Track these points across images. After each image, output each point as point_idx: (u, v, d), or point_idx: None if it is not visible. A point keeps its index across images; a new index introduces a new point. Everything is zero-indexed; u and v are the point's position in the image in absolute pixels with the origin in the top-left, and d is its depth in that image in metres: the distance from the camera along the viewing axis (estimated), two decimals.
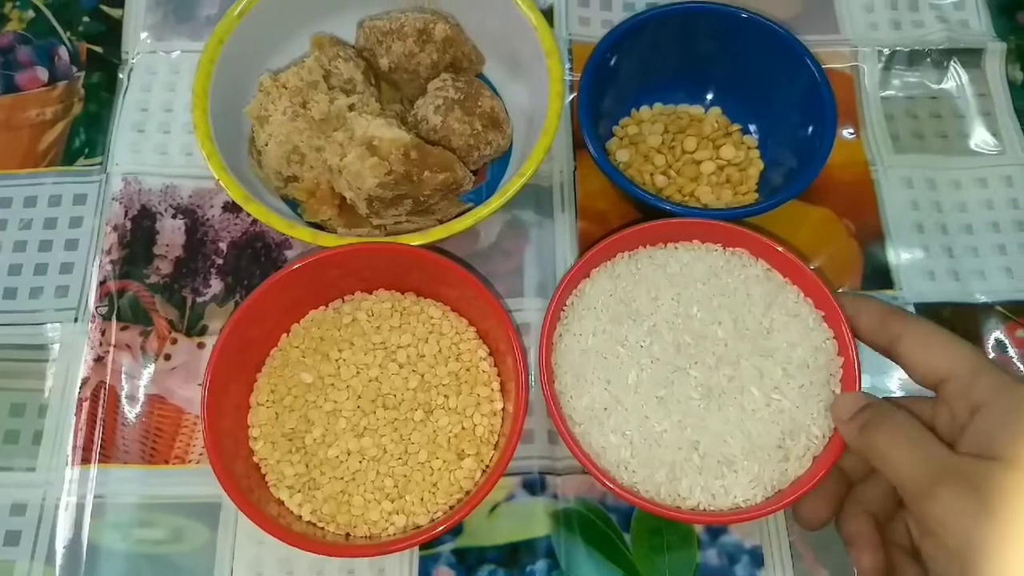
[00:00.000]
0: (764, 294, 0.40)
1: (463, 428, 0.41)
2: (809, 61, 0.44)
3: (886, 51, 0.52)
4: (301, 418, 0.41)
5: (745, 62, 0.46)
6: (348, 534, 0.39)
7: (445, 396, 0.41)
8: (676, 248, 0.42)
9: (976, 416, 0.32)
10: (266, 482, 0.40)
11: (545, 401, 0.39)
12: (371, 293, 0.44)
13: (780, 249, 0.41)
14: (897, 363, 0.36)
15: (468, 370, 0.42)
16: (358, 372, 0.42)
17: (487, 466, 0.40)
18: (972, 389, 0.33)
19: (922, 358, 0.35)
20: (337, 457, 0.40)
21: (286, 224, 0.41)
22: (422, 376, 0.41)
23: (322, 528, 0.39)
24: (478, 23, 0.48)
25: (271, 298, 0.41)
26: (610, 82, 0.46)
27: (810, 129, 0.44)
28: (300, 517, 0.40)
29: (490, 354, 0.42)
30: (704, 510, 0.37)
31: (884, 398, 0.36)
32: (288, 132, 0.44)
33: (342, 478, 0.40)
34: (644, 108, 0.49)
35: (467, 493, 0.39)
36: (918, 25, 0.53)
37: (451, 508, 0.39)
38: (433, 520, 0.39)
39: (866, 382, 0.40)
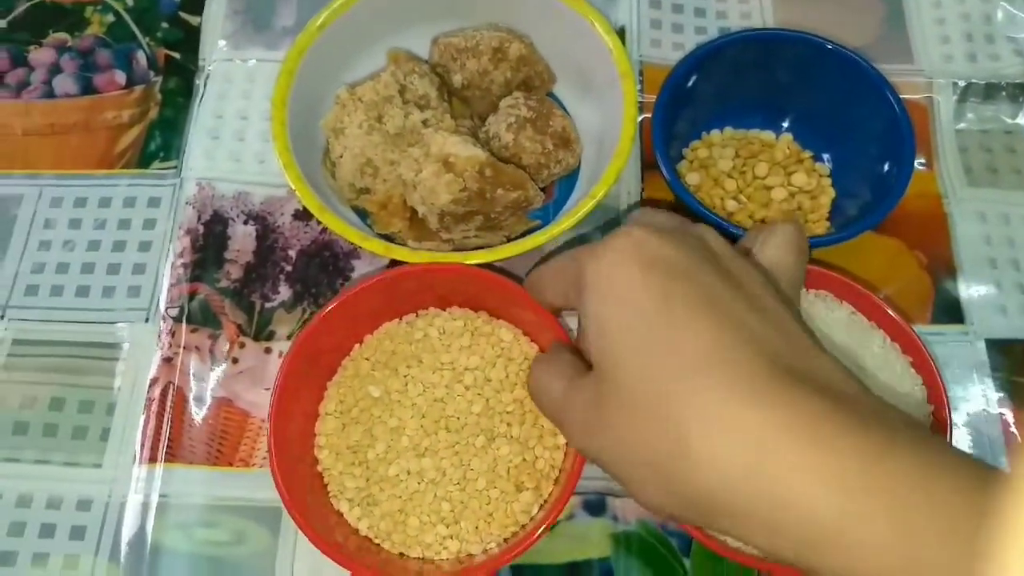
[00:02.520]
0: (850, 339, 0.39)
1: (524, 460, 0.40)
2: (890, 96, 0.43)
3: (961, 83, 0.52)
4: (366, 432, 0.41)
5: (823, 92, 0.46)
6: (402, 553, 0.39)
7: (508, 424, 0.41)
8: None
9: (580, 307, 0.33)
10: (327, 492, 0.40)
11: None
12: (445, 310, 0.44)
13: (865, 291, 0.40)
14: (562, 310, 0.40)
15: None
16: (424, 391, 0.41)
17: (545, 501, 0.39)
18: (578, 279, 0.33)
19: (549, 292, 0.38)
20: (397, 475, 0.40)
21: (360, 236, 0.42)
22: (487, 401, 0.41)
23: (377, 544, 0.39)
24: (551, 42, 0.49)
25: (348, 308, 0.41)
26: (685, 104, 0.46)
27: (886, 165, 0.44)
28: (357, 531, 0.40)
29: None
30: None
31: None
32: (363, 145, 0.44)
33: (400, 497, 0.40)
34: (715, 132, 0.49)
35: (522, 527, 0.39)
36: (994, 58, 0.53)
37: (505, 540, 0.39)
38: (486, 551, 0.39)
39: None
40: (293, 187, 0.42)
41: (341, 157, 0.45)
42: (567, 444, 0.41)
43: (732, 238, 0.42)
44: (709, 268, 0.31)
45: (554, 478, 0.40)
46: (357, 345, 0.43)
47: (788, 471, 0.26)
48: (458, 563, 0.38)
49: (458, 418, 0.41)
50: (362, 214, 0.47)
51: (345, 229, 0.42)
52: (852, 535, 0.25)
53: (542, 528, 0.37)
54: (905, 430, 0.27)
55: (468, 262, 0.42)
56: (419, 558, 0.39)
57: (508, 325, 0.43)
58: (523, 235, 0.45)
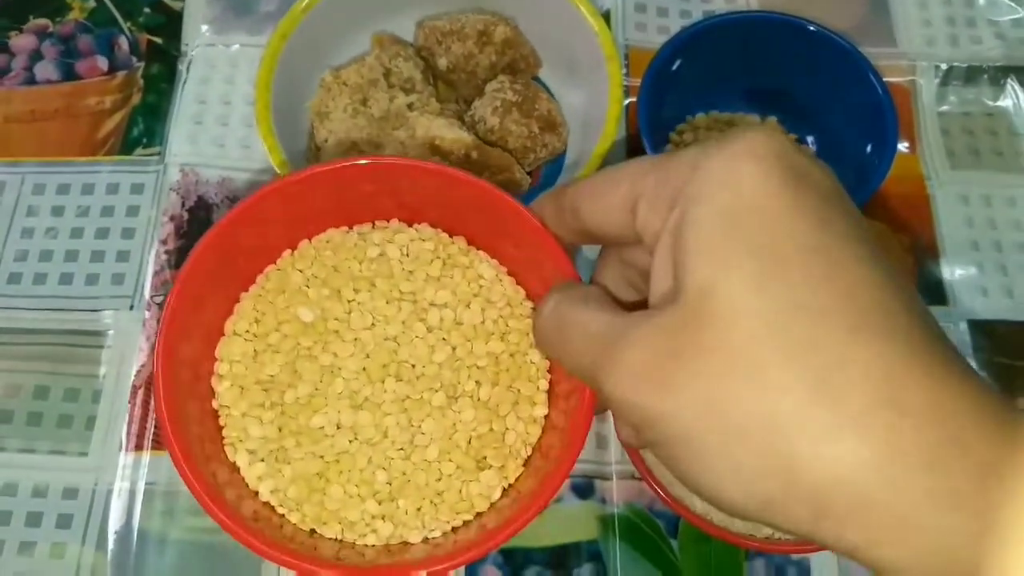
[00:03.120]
0: None
1: (491, 430, 0.32)
2: (873, 78, 0.43)
3: (943, 66, 0.52)
4: (287, 366, 0.33)
5: (807, 74, 0.46)
6: (313, 530, 0.32)
7: (477, 382, 0.33)
8: None
9: (669, 218, 0.24)
10: (222, 438, 0.32)
11: (615, 429, 0.39)
12: (411, 226, 0.35)
13: None
14: (597, 238, 0.29)
15: (512, 356, 0.33)
16: (374, 324, 0.33)
17: (510, 485, 0.33)
18: (661, 190, 0.25)
19: (603, 202, 0.27)
20: (322, 428, 0.32)
21: None
22: (454, 349, 0.33)
23: (282, 516, 0.32)
24: (537, 26, 0.49)
25: (282, 199, 0.32)
26: (670, 88, 0.46)
27: (869, 147, 0.44)
28: (256, 494, 0.32)
29: None
30: (779, 539, 0.37)
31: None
32: (348, 129, 0.44)
33: (322, 457, 0.32)
34: (700, 115, 0.49)
35: (477, 515, 0.32)
36: (976, 41, 0.53)
37: (453, 530, 0.32)
38: (427, 540, 0.31)
39: None
40: (278, 171, 0.42)
41: (326, 141, 0.44)
42: (547, 416, 0.34)
43: None
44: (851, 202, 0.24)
45: (524, 458, 0.33)
46: (289, 251, 0.35)
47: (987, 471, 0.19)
48: (387, 552, 0.31)
49: (413, 366, 0.33)
50: None
51: None
52: None
53: (511, 529, 0.30)
54: None
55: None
56: (336, 539, 0.31)
57: (490, 260, 0.35)
58: None
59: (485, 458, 0.32)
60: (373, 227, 0.35)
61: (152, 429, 0.43)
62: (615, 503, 0.42)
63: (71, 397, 0.44)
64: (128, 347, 0.45)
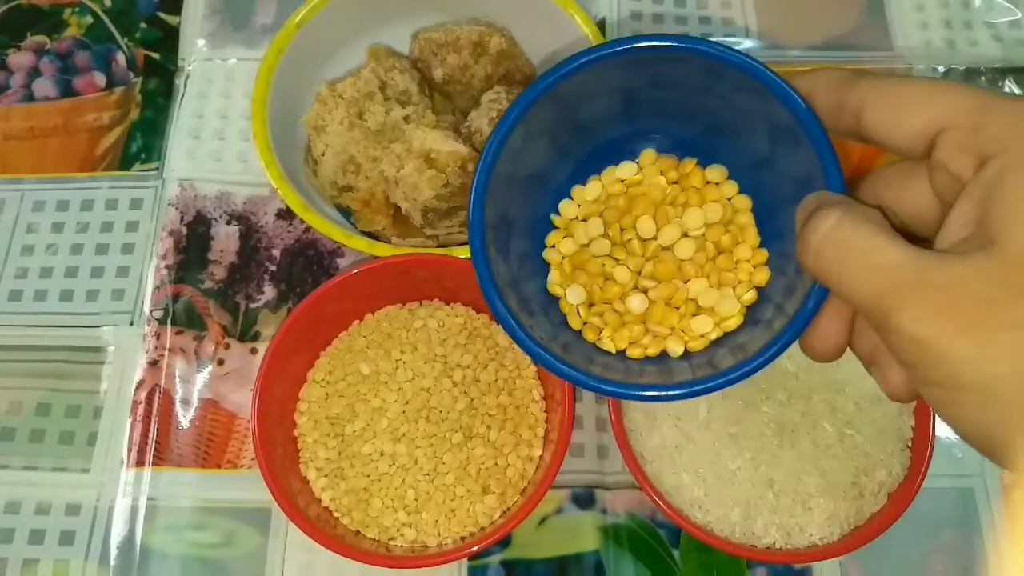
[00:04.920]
0: None
1: (496, 464, 0.40)
2: (776, 91, 0.27)
3: (941, 69, 0.52)
4: (348, 406, 0.42)
5: (668, 90, 0.31)
6: (359, 531, 0.40)
7: (488, 427, 0.41)
8: None
9: (983, 168, 0.23)
10: (298, 457, 0.41)
11: (615, 439, 0.39)
12: (448, 304, 0.44)
13: None
14: (872, 143, 0.26)
15: (517, 408, 0.42)
16: (413, 378, 0.42)
17: (508, 508, 0.40)
18: (979, 133, 0.23)
19: (898, 118, 0.25)
20: (369, 455, 0.41)
21: (343, 234, 0.42)
22: (472, 400, 0.41)
23: (336, 518, 0.40)
24: (531, 36, 0.48)
25: (358, 282, 0.41)
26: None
27: (806, 168, 0.28)
28: (319, 500, 0.40)
29: (544, 398, 0.42)
30: (780, 549, 0.37)
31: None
32: (345, 142, 0.44)
33: (368, 476, 0.40)
34: (566, 201, 0.33)
35: (481, 529, 0.39)
36: (973, 43, 0.53)
37: (462, 539, 0.39)
38: (441, 545, 0.39)
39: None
40: (275, 186, 0.42)
41: (323, 155, 0.45)
42: (540, 457, 0.41)
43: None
44: None
45: (521, 488, 0.40)
46: (356, 321, 0.44)
47: None
48: (411, 552, 0.39)
49: (440, 411, 0.41)
50: (345, 212, 0.47)
51: (328, 227, 0.42)
52: None
53: (501, 532, 0.37)
54: None
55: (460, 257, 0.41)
56: (374, 539, 0.40)
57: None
58: None
59: (490, 486, 0.40)
60: (420, 304, 0.44)
61: (153, 444, 0.43)
62: (616, 513, 0.42)
63: (72, 413, 0.45)
64: (128, 362, 0.45)
